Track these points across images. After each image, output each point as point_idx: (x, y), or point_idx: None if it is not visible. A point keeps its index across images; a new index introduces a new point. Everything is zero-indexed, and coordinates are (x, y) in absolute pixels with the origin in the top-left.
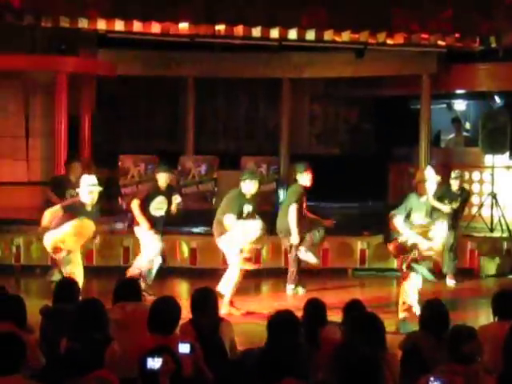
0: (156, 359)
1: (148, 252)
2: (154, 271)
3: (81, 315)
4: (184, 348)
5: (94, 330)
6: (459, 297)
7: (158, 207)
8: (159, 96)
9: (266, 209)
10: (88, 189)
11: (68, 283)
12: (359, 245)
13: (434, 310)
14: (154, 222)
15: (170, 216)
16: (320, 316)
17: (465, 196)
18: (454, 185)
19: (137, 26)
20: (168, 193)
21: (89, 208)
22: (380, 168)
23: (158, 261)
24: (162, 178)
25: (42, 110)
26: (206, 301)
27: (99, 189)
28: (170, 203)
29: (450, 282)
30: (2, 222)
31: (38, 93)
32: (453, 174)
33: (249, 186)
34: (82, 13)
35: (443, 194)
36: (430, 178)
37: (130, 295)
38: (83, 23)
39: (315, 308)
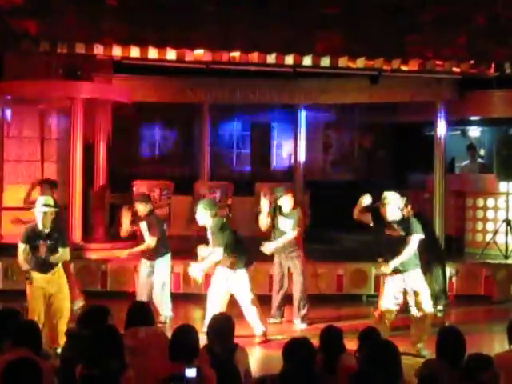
0: None
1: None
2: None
3: (97, 341)
4: (190, 372)
5: (109, 357)
6: (474, 323)
7: None
8: (174, 122)
9: None
10: (40, 209)
11: (97, 309)
12: (373, 271)
13: (450, 337)
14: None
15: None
16: (337, 344)
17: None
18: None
19: (152, 52)
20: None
21: (45, 231)
22: None
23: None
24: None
25: (58, 134)
26: (222, 328)
27: (52, 209)
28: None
29: None
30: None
31: (53, 118)
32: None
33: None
34: (98, 39)
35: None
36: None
37: (143, 319)
38: (99, 49)
39: (332, 336)
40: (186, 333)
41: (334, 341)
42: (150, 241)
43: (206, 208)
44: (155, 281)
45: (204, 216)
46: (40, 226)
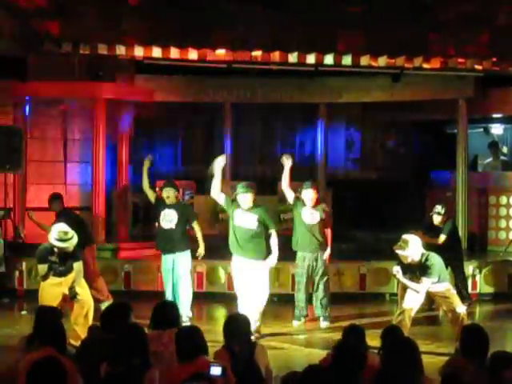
0: None
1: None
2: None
3: (122, 340)
4: (216, 370)
5: (134, 355)
6: (498, 321)
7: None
8: (196, 121)
9: None
10: (55, 243)
11: (119, 306)
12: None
13: (474, 335)
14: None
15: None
16: (359, 342)
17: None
18: (436, 219)
19: (174, 52)
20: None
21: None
22: (417, 193)
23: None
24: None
25: (81, 135)
26: (239, 327)
27: (67, 245)
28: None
29: None
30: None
31: (76, 118)
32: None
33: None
34: (120, 40)
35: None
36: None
37: (168, 319)
38: (121, 50)
39: (355, 335)
40: (187, 333)
41: (358, 340)
42: (197, 226)
43: (253, 192)
44: (177, 276)
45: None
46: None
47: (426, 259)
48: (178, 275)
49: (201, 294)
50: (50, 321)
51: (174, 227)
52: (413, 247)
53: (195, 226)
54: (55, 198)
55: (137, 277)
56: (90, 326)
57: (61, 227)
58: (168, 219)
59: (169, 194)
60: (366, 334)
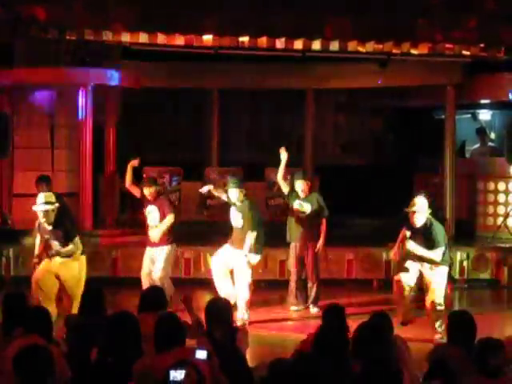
0: (179, 371)
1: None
2: None
3: (114, 329)
4: (201, 354)
5: (126, 344)
6: (484, 307)
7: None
8: (183, 107)
9: None
10: (40, 207)
11: (96, 294)
12: (384, 256)
13: (461, 321)
14: None
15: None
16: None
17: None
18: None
19: (161, 38)
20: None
21: (49, 227)
22: (405, 178)
23: None
24: None
25: (67, 121)
26: (220, 311)
27: (53, 207)
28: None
29: None
30: (27, 234)
31: (63, 104)
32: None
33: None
34: (106, 25)
35: None
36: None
37: (156, 304)
38: (107, 36)
39: (334, 314)
40: (167, 321)
41: (337, 318)
42: (170, 218)
43: (238, 186)
44: (158, 268)
45: (236, 194)
46: (42, 223)
47: (431, 224)
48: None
49: (187, 281)
50: (34, 309)
51: (158, 224)
52: (420, 204)
53: (167, 218)
54: (41, 179)
55: (124, 263)
56: (66, 317)
57: (47, 193)
58: (151, 217)
59: (149, 191)
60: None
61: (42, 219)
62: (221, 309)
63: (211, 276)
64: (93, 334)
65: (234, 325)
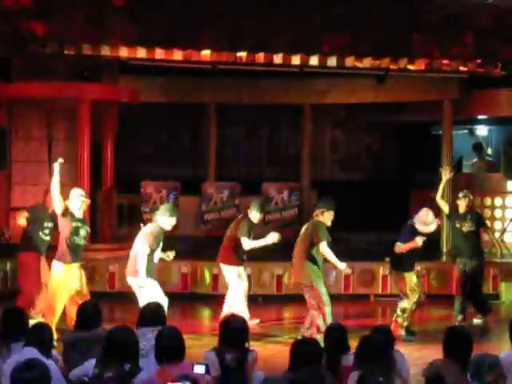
0: None
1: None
2: None
3: (111, 343)
4: (199, 369)
5: (123, 359)
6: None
7: None
8: (181, 122)
9: (287, 235)
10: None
11: (91, 309)
12: (381, 271)
13: (458, 336)
14: None
15: None
16: (341, 343)
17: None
18: (462, 206)
19: (159, 53)
20: None
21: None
22: (402, 194)
23: None
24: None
25: (65, 135)
26: (233, 332)
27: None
28: None
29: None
30: None
31: (60, 119)
32: (460, 194)
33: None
34: (105, 40)
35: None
36: None
37: (155, 319)
38: (105, 51)
39: (337, 334)
40: (168, 335)
41: (340, 340)
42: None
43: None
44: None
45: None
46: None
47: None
48: None
49: (185, 295)
50: (34, 324)
51: None
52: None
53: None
54: None
55: (122, 278)
56: (61, 332)
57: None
58: None
59: None
60: (347, 334)
61: (79, 210)
62: (235, 329)
63: (208, 291)
64: (89, 349)
65: (246, 347)
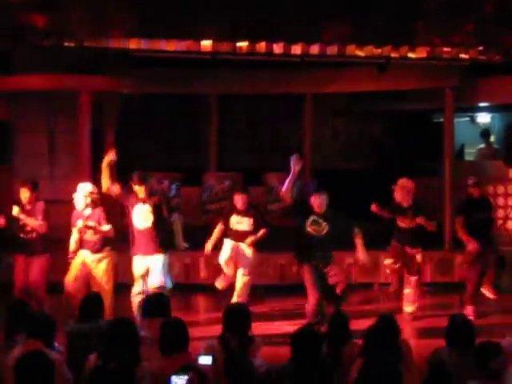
0: (181, 377)
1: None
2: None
3: (113, 334)
4: (205, 360)
5: (125, 350)
6: (482, 310)
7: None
8: (182, 113)
9: (288, 224)
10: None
11: (94, 300)
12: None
13: (460, 325)
14: None
15: None
16: (343, 332)
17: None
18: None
19: (160, 44)
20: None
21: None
22: None
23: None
24: None
25: (66, 127)
26: (237, 319)
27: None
28: None
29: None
30: None
31: (61, 110)
32: (470, 181)
33: None
34: (106, 32)
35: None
36: None
37: (159, 310)
38: (106, 42)
39: (339, 323)
40: (172, 326)
41: (341, 327)
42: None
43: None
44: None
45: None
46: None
47: None
48: None
49: (187, 286)
50: (37, 315)
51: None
52: None
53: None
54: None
55: (122, 269)
56: (66, 324)
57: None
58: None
59: (140, 190)
60: (349, 323)
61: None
62: (239, 317)
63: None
64: (91, 340)
65: (249, 335)
